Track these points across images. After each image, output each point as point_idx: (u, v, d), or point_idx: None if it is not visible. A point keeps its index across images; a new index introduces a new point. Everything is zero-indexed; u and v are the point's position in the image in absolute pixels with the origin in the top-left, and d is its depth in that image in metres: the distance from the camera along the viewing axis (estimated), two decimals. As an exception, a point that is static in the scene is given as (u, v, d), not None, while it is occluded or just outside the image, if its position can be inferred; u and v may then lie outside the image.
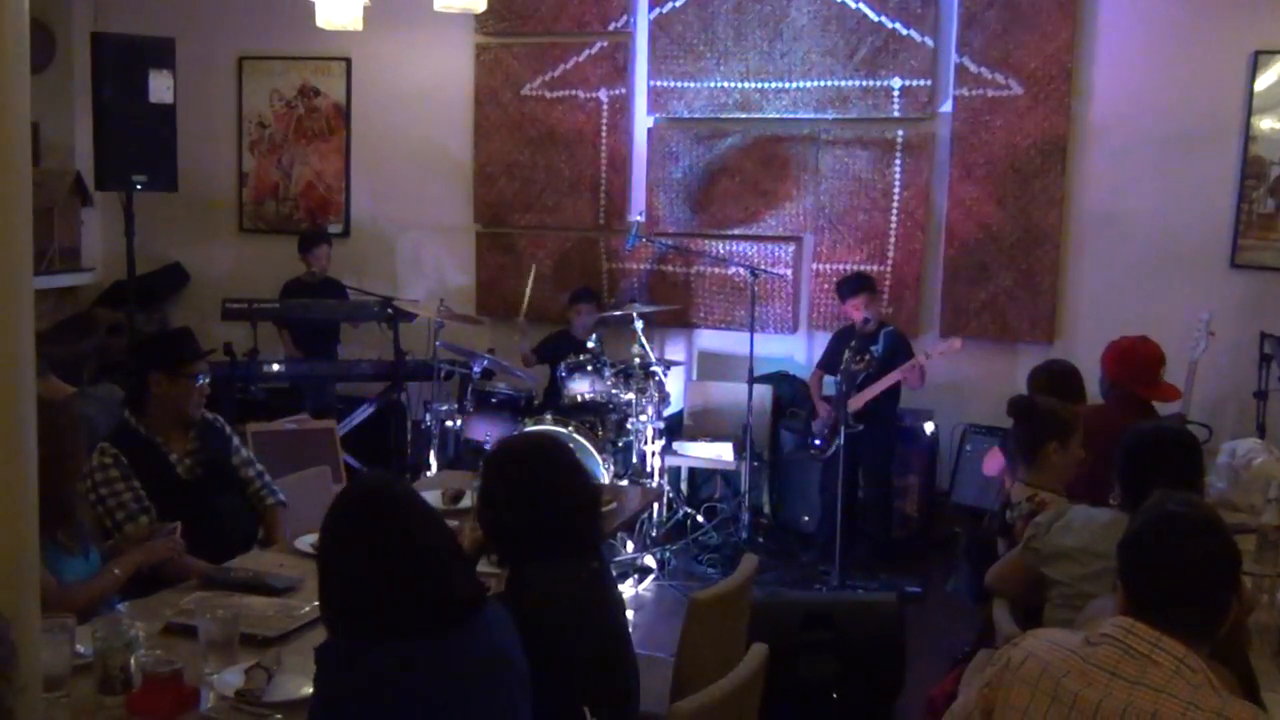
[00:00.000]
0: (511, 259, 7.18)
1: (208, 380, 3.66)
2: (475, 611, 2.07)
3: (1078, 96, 6.22)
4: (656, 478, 5.98)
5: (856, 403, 5.62)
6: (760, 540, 6.09)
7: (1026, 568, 3.12)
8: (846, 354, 5.75)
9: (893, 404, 5.91)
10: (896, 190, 6.51)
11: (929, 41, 6.37)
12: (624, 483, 5.60)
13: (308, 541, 3.33)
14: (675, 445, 6.30)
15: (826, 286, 6.58)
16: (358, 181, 7.51)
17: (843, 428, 5.45)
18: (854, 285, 5.90)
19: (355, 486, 2.22)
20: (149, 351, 3.76)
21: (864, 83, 6.48)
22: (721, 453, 6.21)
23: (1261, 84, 5.95)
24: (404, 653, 1.96)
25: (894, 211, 6.52)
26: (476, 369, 6.25)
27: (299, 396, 6.62)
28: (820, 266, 6.68)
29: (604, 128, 6.96)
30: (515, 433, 5.58)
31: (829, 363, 6.10)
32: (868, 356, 5.59)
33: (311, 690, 2.07)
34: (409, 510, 2.07)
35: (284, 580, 3.07)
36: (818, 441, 5.94)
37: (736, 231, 6.79)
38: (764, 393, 6.43)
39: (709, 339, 6.96)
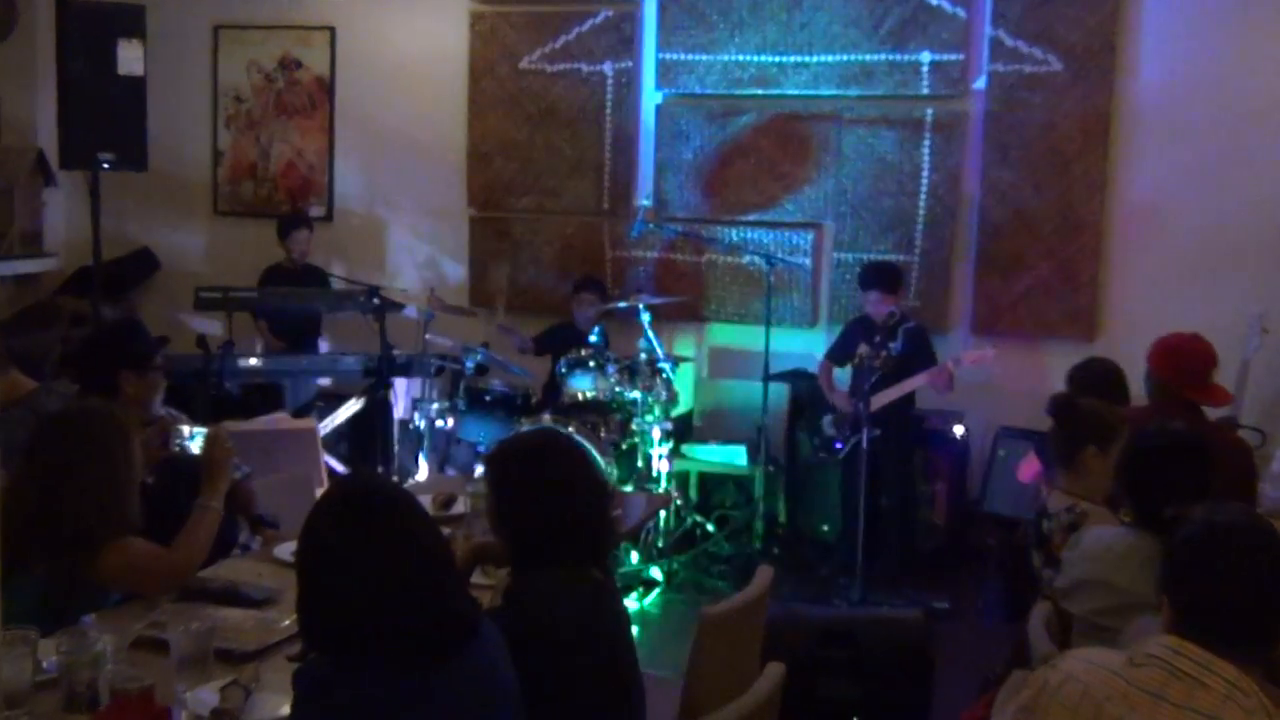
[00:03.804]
0: (508, 246, 7.19)
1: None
2: (471, 633, 2.04)
3: (1122, 73, 6.21)
4: (664, 483, 5.98)
5: (872, 405, 5.61)
6: (775, 551, 6.09)
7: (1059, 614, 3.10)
8: (863, 348, 5.75)
9: (909, 404, 5.91)
10: (925, 174, 6.50)
11: (961, 12, 6.36)
12: (629, 488, 5.60)
13: (288, 550, 3.33)
14: (684, 448, 6.30)
15: (848, 277, 6.58)
16: (342, 161, 7.51)
17: (865, 429, 5.45)
18: (876, 277, 5.89)
19: (345, 486, 2.16)
20: (116, 349, 3.80)
21: (890, 57, 6.47)
22: (734, 456, 6.21)
23: (1322, 60, 5.93)
24: (394, 679, 1.91)
25: (922, 197, 6.52)
26: (469, 365, 6.25)
27: (277, 393, 6.62)
28: (842, 255, 6.68)
29: (609, 104, 6.96)
30: (520, 430, 5.59)
31: (840, 355, 6.10)
32: (884, 354, 5.58)
33: (290, 712, 2.06)
34: (406, 515, 2.02)
35: (262, 591, 3.07)
36: (838, 444, 5.94)
37: (752, 217, 6.78)
38: (780, 391, 6.43)
39: (721, 333, 6.96)
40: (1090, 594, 2.98)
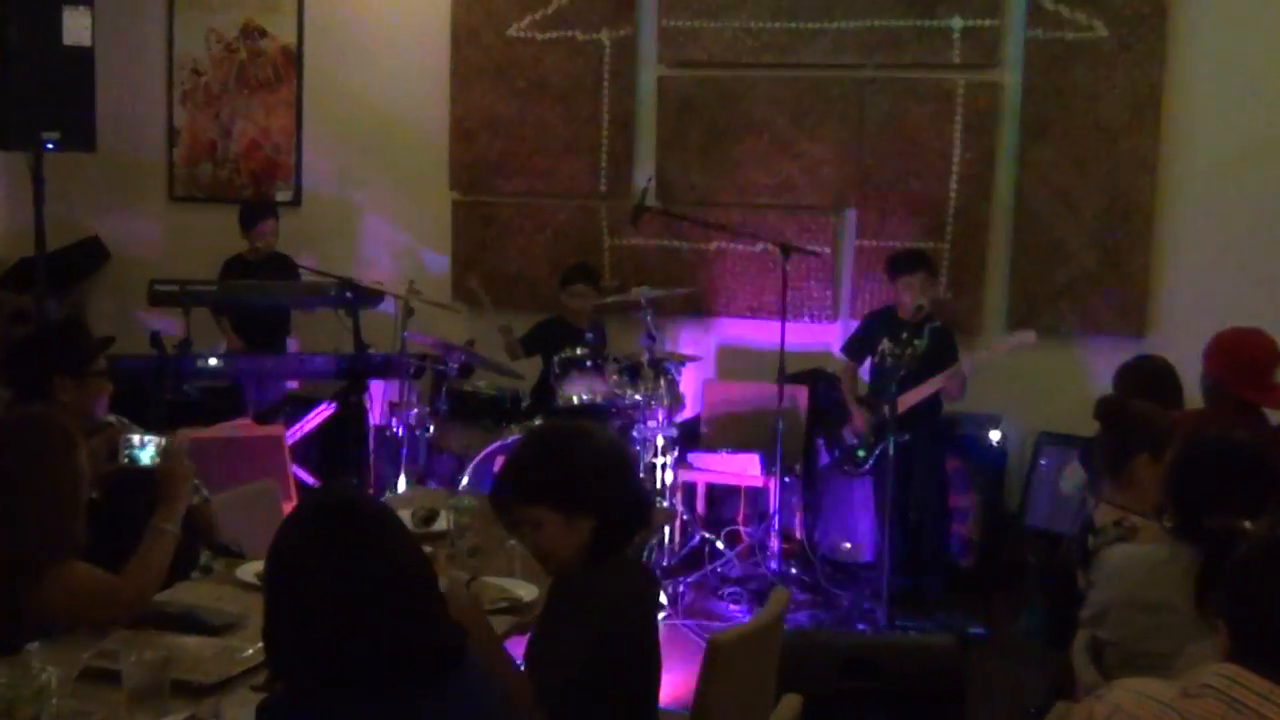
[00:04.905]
0: (495, 233, 7.19)
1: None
2: (457, 664, 2.05)
3: (1175, 40, 6.20)
4: (668, 496, 5.99)
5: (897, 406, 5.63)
6: (792, 571, 6.09)
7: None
8: (885, 344, 5.76)
9: (937, 408, 5.92)
10: (956, 152, 6.50)
11: (997, -27, 6.38)
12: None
13: (251, 571, 3.34)
14: (690, 457, 6.30)
15: (872, 267, 6.59)
16: (311, 140, 7.51)
17: (891, 436, 5.45)
18: (911, 261, 5.92)
19: (317, 499, 2.18)
20: (49, 352, 3.81)
21: (918, 23, 6.47)
22: (746, 466, 6.21)
23: (1397, 25, 5.93)
24: (370, 710, 1.92)
25: (953, 178, 6.52)
26: (452, 365, 6.25)
27: (241, 397, 6.63)
28: (865, 243, 6.68)
29: (606, 76, 6.96)
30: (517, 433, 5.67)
31: (858, 350, 6.12)
32: (908, 351, 5.59)
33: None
34: (385, 531, 2.02)
35: (223, 617, 3.08)
36: (860, 453, 5.95)
37: (765, 201, 6.79)
38: (797, 394, 6.44)
39: (731, 329, 6.97)
40: (1120, 616, 2.98)
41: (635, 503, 2.75)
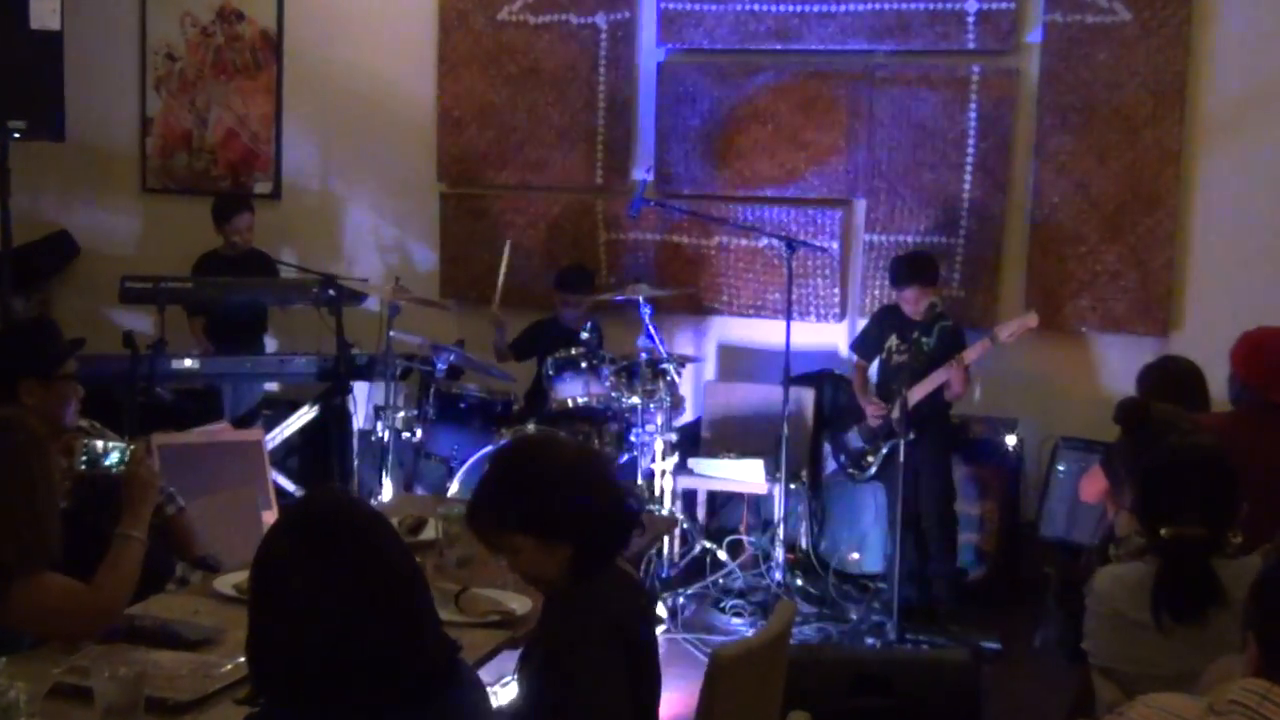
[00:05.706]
0: (485, 227, 7.19)
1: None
2: (452, 677, 2.05)
3: (1200, 24, 6.20)
4: (667, 503, 5.99)
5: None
6: (798, 582, 6.09)
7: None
8: (892, 341, 5.75)
9: (944, 410, 5.92)
10: (971, 142, 6.51)
11: (1013, -46, 6.38)
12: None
13: (229, 583, 3.35)
14: (691, 463, 6.30)
15: (882, 262, 6.59)
16: (291, 129, 7.51)
17: (902, 433, 5.46)
18: (912, 272, 5.86)
19: (307, 505, 2.18)
20: (15, 354, 3.82)
21: (930, 5, 6.48)
22: (749, 472, 6.21)
23: None
24: None
25: (967, 169, 6.52)
26: (440, 366, 6.26)
27: (217, 400, 6.64)
28: (874, 238, 6.68)
29: (602, 62, 6.96)
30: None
31: (869, 348, 6.11)
32: (916, 349, 5.59)
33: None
34: (379, 538, 2.03)
35: (200, 631, 3.08)
36: (869, 457, 5.95)
37: (769, 193, 6.79)
38: (803, 397, 6.44)
39: (734, 329, 6.97)
40: (1112, 639, 2.99)
41: (615, 513, 2.70)
